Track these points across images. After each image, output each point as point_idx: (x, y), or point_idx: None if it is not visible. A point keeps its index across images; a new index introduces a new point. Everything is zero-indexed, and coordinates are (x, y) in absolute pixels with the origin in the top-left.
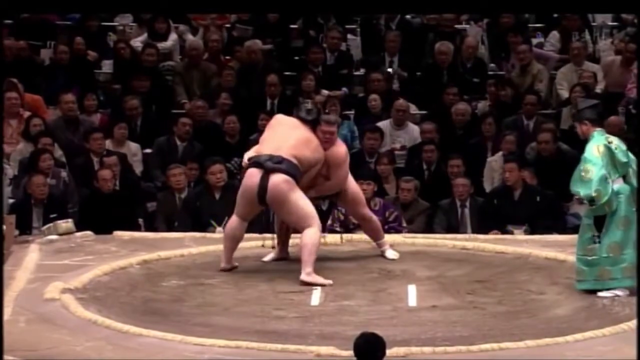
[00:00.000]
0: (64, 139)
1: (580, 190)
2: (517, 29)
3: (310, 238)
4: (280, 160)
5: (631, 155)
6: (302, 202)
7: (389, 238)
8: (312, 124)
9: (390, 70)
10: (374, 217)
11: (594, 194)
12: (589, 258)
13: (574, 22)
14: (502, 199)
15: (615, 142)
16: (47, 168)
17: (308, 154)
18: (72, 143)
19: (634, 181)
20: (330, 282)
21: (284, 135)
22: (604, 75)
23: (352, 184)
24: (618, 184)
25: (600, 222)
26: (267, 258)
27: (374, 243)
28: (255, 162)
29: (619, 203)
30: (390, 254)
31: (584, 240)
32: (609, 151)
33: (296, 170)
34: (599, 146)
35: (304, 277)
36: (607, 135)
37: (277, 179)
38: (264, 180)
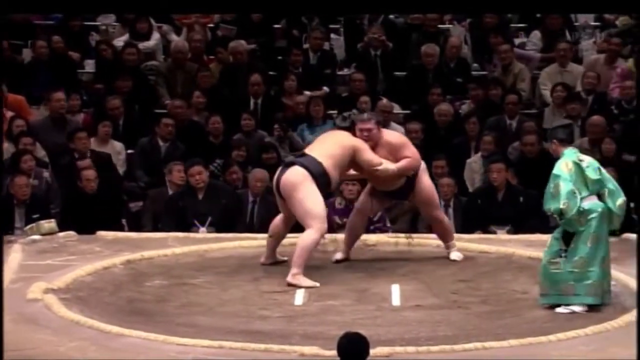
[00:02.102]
0: (50, 139)
1: (551, 205)
2: (499, 29)
3: (303, 240)
4: (302, 154)
5: (606, 174)
6: (310, 199)
7: (373, 238)
8: (351, 129)
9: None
10: (446, 219)
11: (561, 207)
12: (554, 272)
13: (556, 22)
14: (486, 199)
15: (587, 160)
16: (28, 169)
17: (339, 151)
18: (58, 142)
19: (610, 201)
20: (316, 284)
21: (322, 142)
22: (587, 74)
23: (427, 185)
24: (590, 202)
25: (568, 237)
26: (337, 257)
27: (442, 244)
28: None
29: (589, 220)
30: (455, 255)
31: (551, 253)
32: (579, 168)
33: (316, 167)
34: (567, 163)
35: (289, 278)
36: (579, 154)
37: (292, 171)
38: (282, 172)
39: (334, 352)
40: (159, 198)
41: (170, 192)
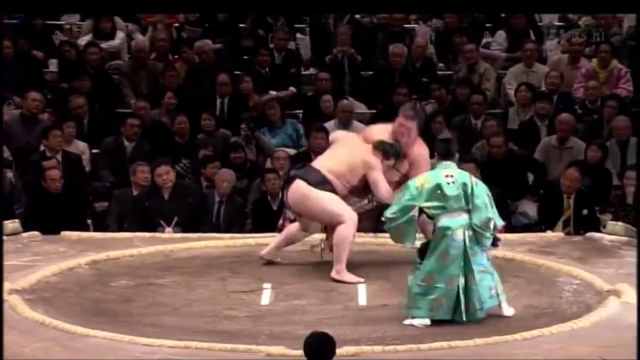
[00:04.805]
0: (19, 138)
1: (386, 209)
2: (466, 29)
3: (339, 236)
4: (301, 166)
5: (480, 190)
6: (324, 202)
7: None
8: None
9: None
10: None
11: (389, 216)
12: (409, 284)
13: (521, 22)
14: None
15: (456, 175)
16: None
17: (344, 170)
18: (27, 142)
19: (474, 218)
20: (361, 280)
21: (332, 150)
22: (550, 74)
23: None
24: (449, 218)
25: (423, 251)
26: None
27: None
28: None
29: (444, 237)
30: None
31: (414, 267)
32: (437, 187)
33: (315, 177)
34: (427, 178)
35: (333, 274)
36: (449, 170)
37: (291, 188)
38: (287, 190)
39: (301, 352)
40: (124, 198)
41: (135, 192)
